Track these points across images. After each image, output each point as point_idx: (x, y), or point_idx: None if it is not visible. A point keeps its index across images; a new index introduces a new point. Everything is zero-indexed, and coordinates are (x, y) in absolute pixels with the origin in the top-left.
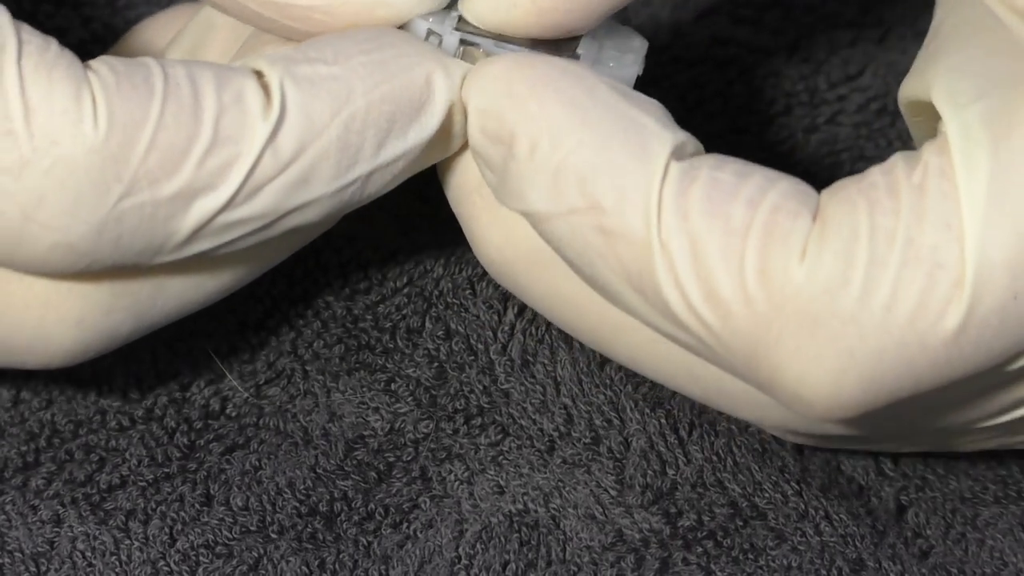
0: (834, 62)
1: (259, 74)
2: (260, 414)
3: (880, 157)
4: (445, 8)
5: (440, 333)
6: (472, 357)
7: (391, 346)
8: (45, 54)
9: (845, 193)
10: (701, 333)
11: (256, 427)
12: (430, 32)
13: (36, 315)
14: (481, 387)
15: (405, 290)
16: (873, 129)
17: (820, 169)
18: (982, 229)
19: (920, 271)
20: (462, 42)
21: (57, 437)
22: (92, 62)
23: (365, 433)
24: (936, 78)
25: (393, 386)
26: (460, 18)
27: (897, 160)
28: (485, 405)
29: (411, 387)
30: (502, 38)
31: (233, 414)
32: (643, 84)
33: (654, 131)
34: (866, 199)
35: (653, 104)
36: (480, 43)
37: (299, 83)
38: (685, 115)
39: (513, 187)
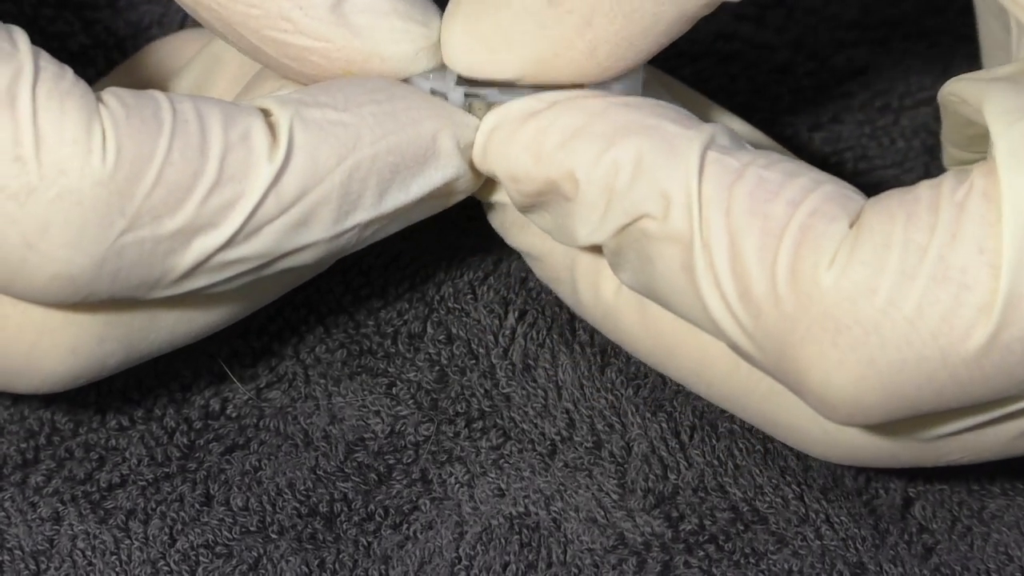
0: (838, 60)
1: (267, 113)
2: (260, 415)
3: (884, 155)
4: (441, 69)
5: (441, 337)
6: (473, 361)
7: (392, 350)
8: (60, 82)
9: (886, 203)
10: (736, 333)
11: (256, 428)
12: (434, 92)
13: (30, 341)
14: (482, 391)
15: (407, 295)
16: (877, 127)
17: (824, 167)
18: (1018, 256)
19: (947, 290)
20: (467, 95)
21: (57, 435)
22: (103, 93)
23: (365, 436)
24: (992, 92)
25: (394, 390)
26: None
27: (947, 176)
28: (486, 409)
29: (412, 391)
30: (505, 85)
31: (233, 415)
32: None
33: (677, 133)
34: (905, 211)
35: (667, 108)
36: (484, 94)
37: (307, 126)
38: None
39: (568, 227)
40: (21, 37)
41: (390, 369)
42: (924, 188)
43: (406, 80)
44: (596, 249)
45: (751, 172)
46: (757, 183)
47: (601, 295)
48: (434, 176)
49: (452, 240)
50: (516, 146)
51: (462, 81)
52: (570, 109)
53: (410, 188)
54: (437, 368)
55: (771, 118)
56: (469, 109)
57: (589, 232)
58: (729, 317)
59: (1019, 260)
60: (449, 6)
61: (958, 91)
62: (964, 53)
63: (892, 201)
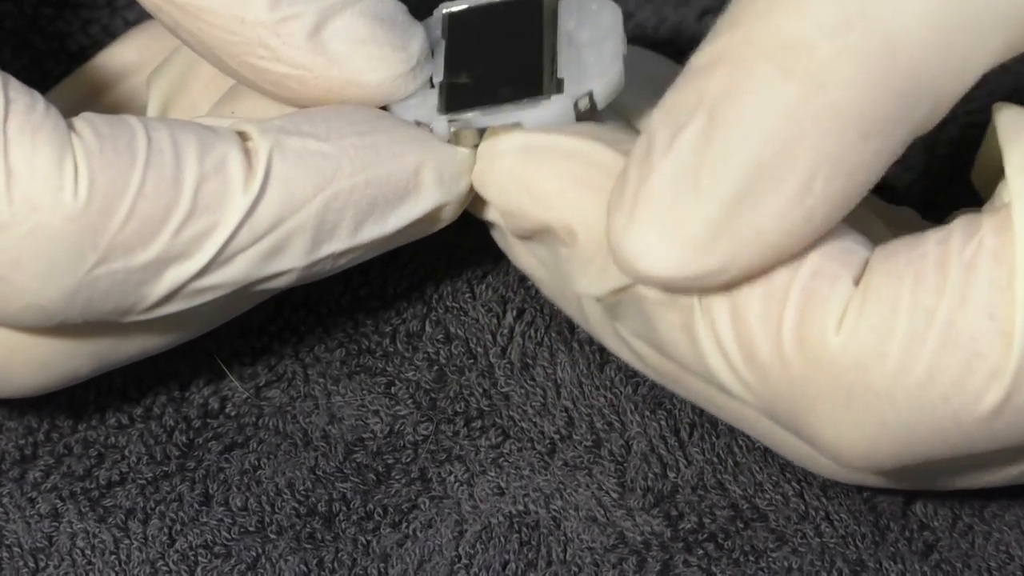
0: None
1: (245, 136)
2: (259, 414)
3: None
4: (422, 90)
5: (440, 336)
6: (472, 360)
7: (391, 350)
8: (31, 115)
9: (893, 263)
10: (743, 393)
11: (255, 427)
12: (419, 122)
13: (1, 355)
14: (481, 390)
15: (405, 294)
16: None
17: None
18: None
19: (957, 356)
20: (451, 122)
21: (56, 432)
22: (77, 122)
23: (364, 435)
24: (1017, 137)
25: (393, 389)
26: (442, 96)
27: (955, 229)
28: (485, 408)
29: (411, 390)
30: (489, 108)
31: (232, 413)
32: None
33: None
34: (913, 272)
35: None
36: (469, 118)
37: (286, 156)
38: None
39: (566, 272)
40: None
41: (389, 368)
42: (932, 243)
43: (387, 107)
44: None
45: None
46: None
47: (609, 320)
48: (413, 209)
49: (450, 239)
50: (515, 183)
51: (445, 108)
52: (572, 154)
53: (388, 221)
54: (436, 367)
55: None
56: (455, 137)
57: (586, 284)
58: (735, 379)
59: None
60: (618, 202)
61: (994, 120)
62: None
63: (899, 260)
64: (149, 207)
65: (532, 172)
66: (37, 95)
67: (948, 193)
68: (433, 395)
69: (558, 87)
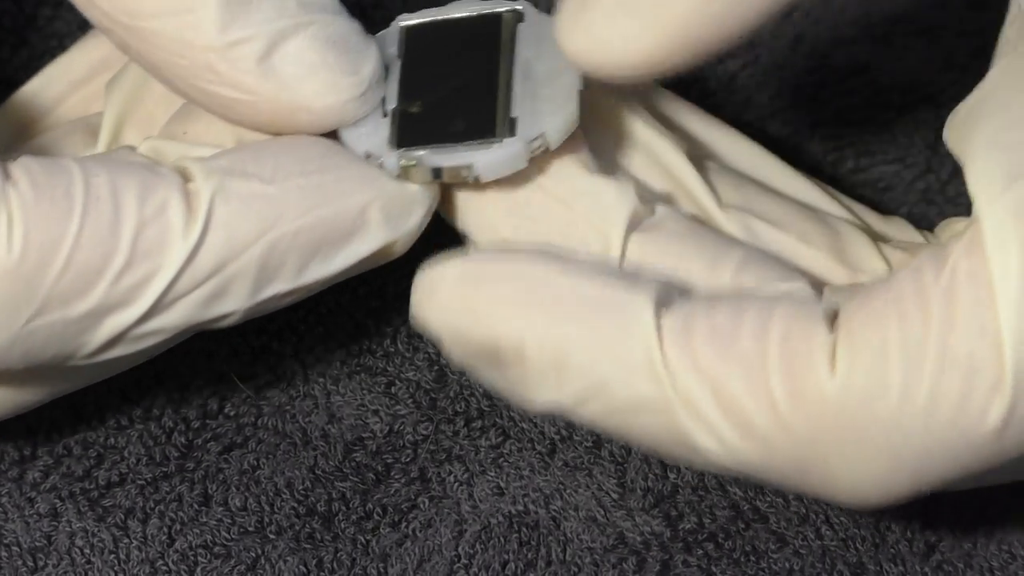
0: (839, 56)
1: (188, 176)
2: (259, 414)
3: (885, 151)
4: (375, 115)
5: None
6: None
7: (391, 350)
8: None
9: (871, 308)
10: (747, 468)
11: (254, 427)
12: (369, 155)
13: None
14: (481, 390)
15: (406, 294)
16: (878, 124)
17: (824, 164)
18: (1018, 334)
19: (956, 376)
20: (401, 158)
21: (55, 432)
22: (15, 169)
23: (364, 435)
24: (974, 151)
25: (393, 389)
26: (394, 127)
27: (923, 262)
28: (485, 408)
29: (411, 390)
30: (440, 146)
31: (231, 413)
32: None
33: (627, 299)
34: (895, 312)
35: (610, 272)
36: (420, 156)
37: (228, 200)
38: None
39: (519, 392)
40: None
41: (389, 368)
42: (905, 283)
43: (337, 132)
44: None
45: (700, 323)
46: (711, 330)
47: None
48: (359, 248)
49: (452, 239)
50: (457, 307)
51: (397, 143)
52: (517, 276)
53: (333, 261)
54: (436, 368)
55: (770, 115)
56: (405, 172)
57: (545, 400)
58: (734, 459)
59: (1019, 338)
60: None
61: (947, 140)
62: (966, 49)
63: (875, 304)
64: (86, 257)
65: (474, 295)
66: None
67: (948, 191)
68: (433, 395)
69: (511, 128)
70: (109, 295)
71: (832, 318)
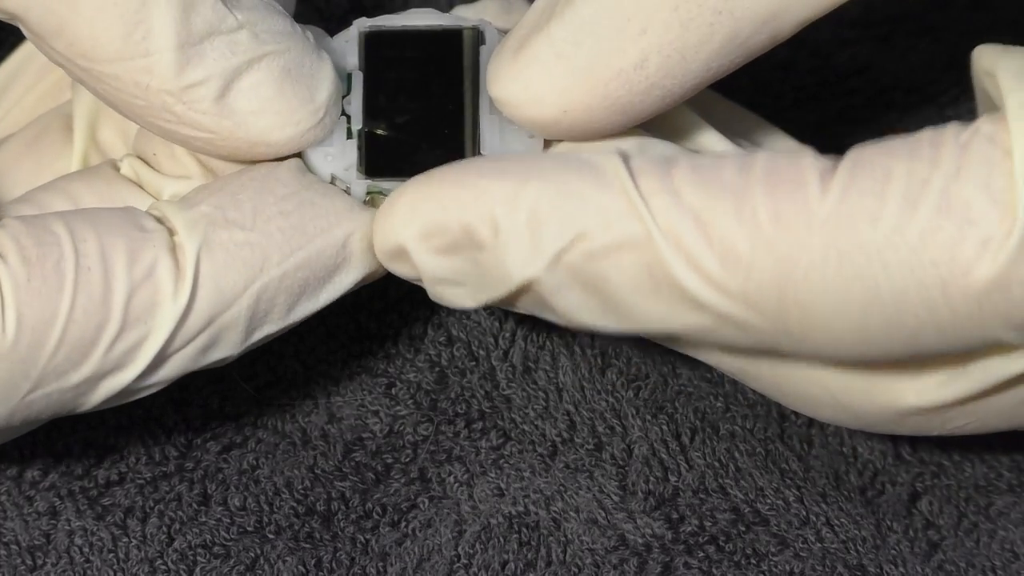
0: (841, 57)
1: (170, 227)
2: (258, 413)
3: None
4: (339, 135)
5: (442, 339)
6: (473, 363)
7: (393, 351)
8: None
9: (885, 141)
10: (725, 304)
11: (254, 426)
12: (334, 178)
13: None
14: (483, 392)
15: (407, 296)
16: (882, 124)
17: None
18: None
19: (951, 221)
20: (369, 189)
21: (54, 431)
22: (4, 242)
23: (364, 435)
24: (1004, 56)
25: (393, 390)
26: (360, 152)
27: (950, 124)
28: (486, 410)
29: (411, 391)
30: (406, 177)
31: (231, 412)
32: None
33: (592, 158)
34: (907, 148)
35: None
36: (387, 189)
37: (214, 253)
38: None
39: (497, 273)
40: None
41: (390, 370)
42: (926, 130)
43: (301, 155)
44: None
45: (682, 160)
46: (693, 165)
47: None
48: (344, 280)
49: None
50: (419, 208)
51: (365, 171)
52: (478, 163)
53: (319, 297)
54: (437, 369)
55: (774, 116)
56: (372, 199)
57: (522, 265)
58: (714, 291)
59: None
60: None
61: (976, 56)
62: (967, 49)
63: (892, 139)
64: (79, 331)
65: (436, 186)
66: None
67: None
68: (434, 396)
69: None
70: (104, 363)
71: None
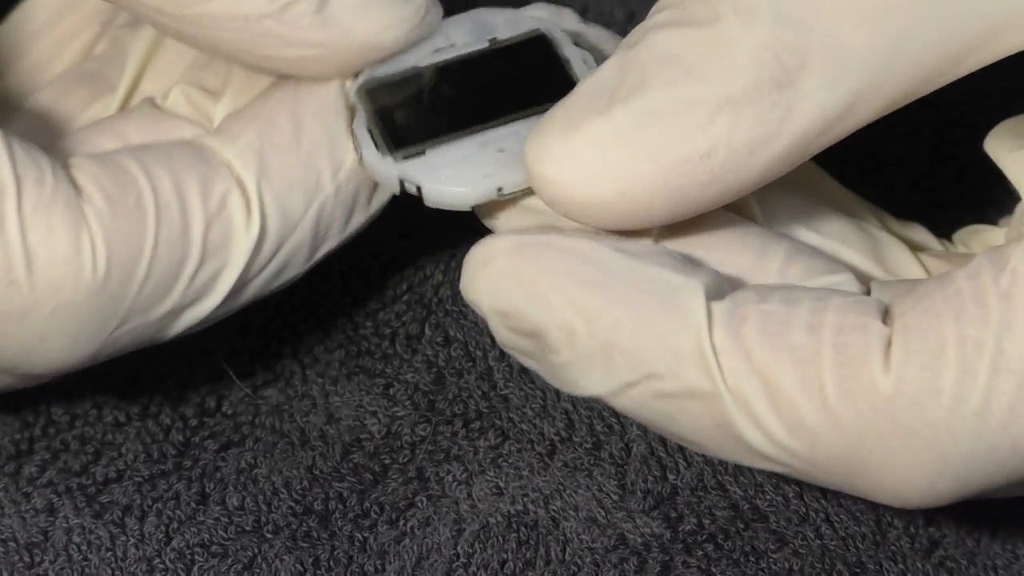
0: None
1: (228, 164)
2: (256, 412)
3: (885, 153)
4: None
5: (439, 339)
6: (471, 363)
7: (390, 352)
8: (42, 189)
9: (929, 303)
10: (792, 463)
11: (252, 425)
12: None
13: (36, 332)
14: (480, 392)
15: (405, 297)
16: (882, 126)
17: (829, 167)
18: None
19: (1011, 381)
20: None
21: (52, 427)
22: (81, 179)
23: (362, 436)
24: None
25: (391, 391)
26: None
27: (983, 264)
28: (484, 410)
29: (409, 392)
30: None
31: (229, 412)
32: None
33: (679, 283)
34: (952, 309)
35: (661, 253)
36: (404, 168)
37: (271, 180)
38: None
39: (564, 377)
40: None
41: (388, 370)
42: (963, 280)
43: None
44: None
45: (752, 310)
46: (764, 319)
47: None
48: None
49: (450, 242)
50: (509, 282)
51: (400, 154)
52: (566, 248)
53: (372, 204)
54: (435, 370)
55: None
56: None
57: (593, 384)
58: (780, 452)
59: None
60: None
61: (994, 153)
62: None
63: (933, 299)
64: (163, 266)
65: (527, 271)
66: (41, 159)
67: (952, 193)
68: (431, 397)
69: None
70: (185, 295)
71: (884, 312)
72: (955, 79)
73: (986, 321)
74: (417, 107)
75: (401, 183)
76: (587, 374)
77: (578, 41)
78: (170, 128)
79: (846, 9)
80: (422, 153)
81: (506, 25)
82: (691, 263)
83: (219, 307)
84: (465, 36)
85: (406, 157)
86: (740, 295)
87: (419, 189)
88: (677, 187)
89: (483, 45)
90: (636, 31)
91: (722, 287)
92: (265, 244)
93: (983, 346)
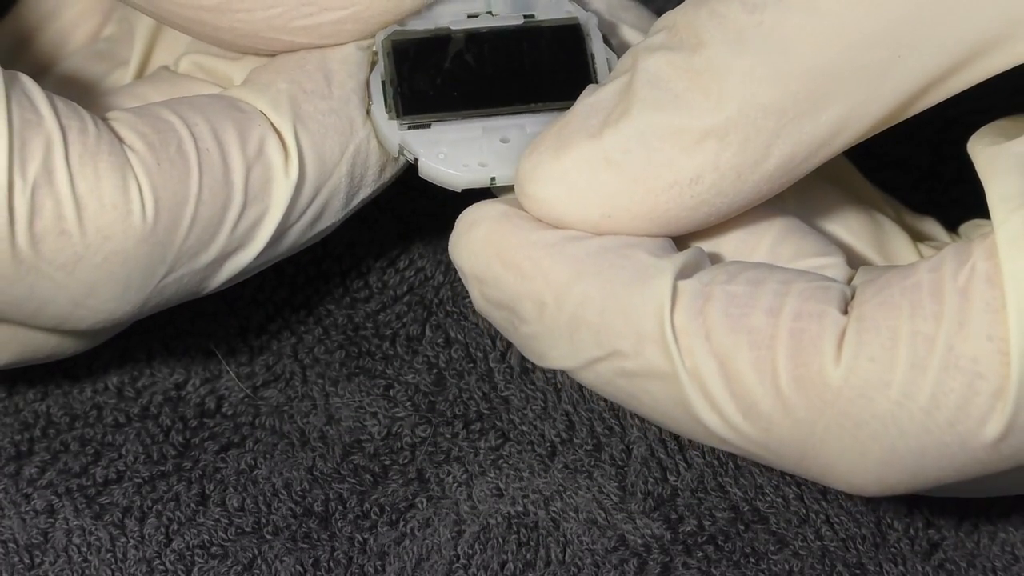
0: None
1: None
2: (256, 413)
3: (885, 154)
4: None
5: (440, 341)
6: (471, 364)
7: (391, 353)
8: (86, 139)
9: (888, 294)
10: (747, 447)
11: (252, 426)
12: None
13: (86, 286)
14: (480, 394)
15: (405, 298)
16: None
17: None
18: None
19: (960, 379)
20: (401, 147)
21: (52, 428)
22: (122, 130)
23: (362, 437)
24: (995, 170)
25: (392, 392)
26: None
27: (946, 256)
28: (484, 411)
29: (410, 393)
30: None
31: (229, 412)
32: None
33: (649, 262)
34: (909, 302)
35: (642, 236)
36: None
37: (307, 126)
38: None
39: (532, 348)
40: (38, 95)
41: (388, 371)
42: (924, 272)
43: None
44: None
45: (718, 291)
46: (727, 300)
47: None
48: None
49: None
50: (488, 249)
51: (406, 122)
52: (545, 225)
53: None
54: (435, 371)
55: None
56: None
57: (559, 357)
58: (735, 435)
59: None
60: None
61: (972, 150)
62: None
63: (893, 290)
64: (208, 211)
65: (506, 239)
66: (80, 110)
67: (952, 193)
68: (432, 398)
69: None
70: (230, 242)
71: (850, 299)
72: (945, 99)
73: (939, 317)
74: (434, 74)
75: (400, 148)
76: (555, 347)
77: (608, 39)
78: (190, 88)
79: (831, 35)
80: (427, 126)
81: (546, 4)
82: (670, 247)
83: (260, 255)
84: (504, 6)
85: (411, 127)
86: (708, 273)
87: (416, 160)
88: (664, 211)
89: (517, 21)
90: (631, 52)
91: (701, 261)
92: (304, 188)
93: (934, 342)
